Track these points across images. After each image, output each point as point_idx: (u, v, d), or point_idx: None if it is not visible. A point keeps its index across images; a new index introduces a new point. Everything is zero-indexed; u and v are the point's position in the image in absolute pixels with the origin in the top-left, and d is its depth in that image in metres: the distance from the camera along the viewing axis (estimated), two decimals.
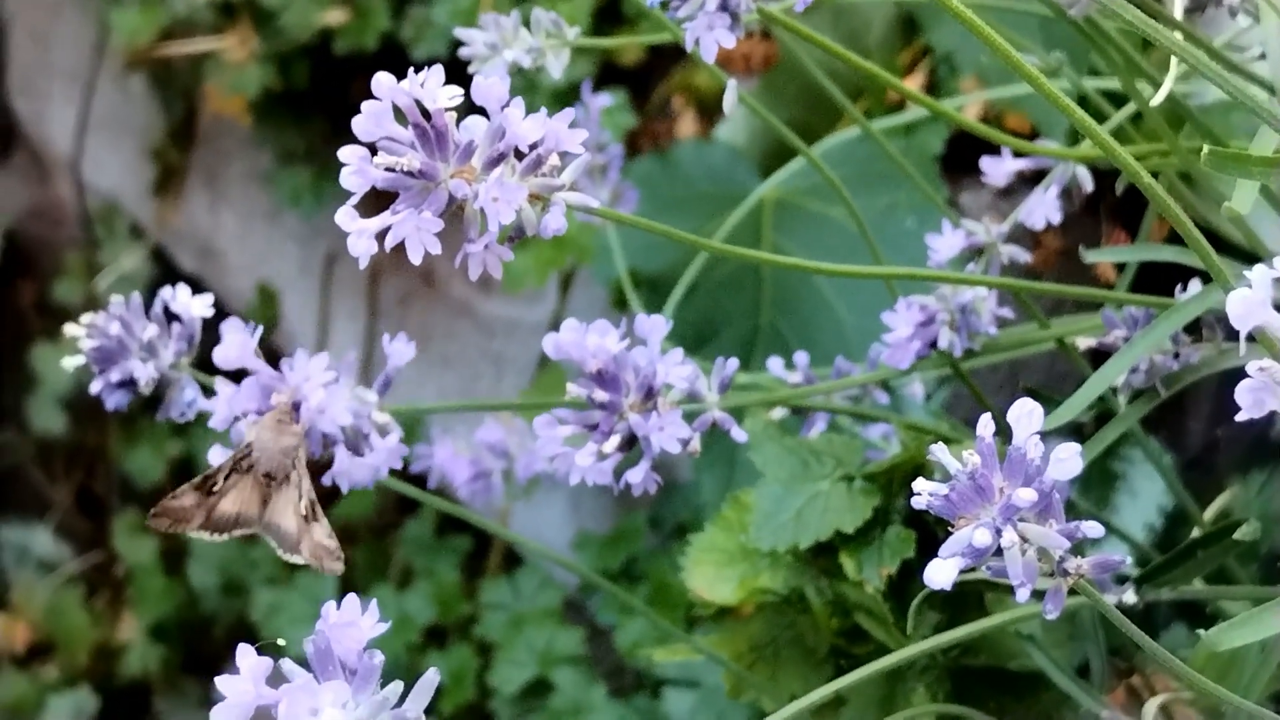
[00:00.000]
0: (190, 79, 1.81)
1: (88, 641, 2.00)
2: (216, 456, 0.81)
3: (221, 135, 1.90)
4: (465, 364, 1.69)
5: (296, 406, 0.80)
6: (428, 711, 0.57)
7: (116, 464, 2.05)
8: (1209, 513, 1.07)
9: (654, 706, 1.48)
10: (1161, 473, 1.05)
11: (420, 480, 1.32)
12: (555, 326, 0.81)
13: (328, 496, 0.82)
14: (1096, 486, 1.23)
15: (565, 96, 1.48)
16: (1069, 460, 0.56)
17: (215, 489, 0.81)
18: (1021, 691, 0.96)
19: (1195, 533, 0.95)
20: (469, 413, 1.48)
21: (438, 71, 0.66)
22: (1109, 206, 1.36)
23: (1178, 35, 0.80)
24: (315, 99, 1.73)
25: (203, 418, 0.84)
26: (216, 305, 0.86)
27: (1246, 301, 0.53)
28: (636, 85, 1.59)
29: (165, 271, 1.96)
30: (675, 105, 1.59)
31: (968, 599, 0.93)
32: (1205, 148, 0.60)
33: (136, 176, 1.99)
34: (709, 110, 1.57)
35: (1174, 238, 0.69)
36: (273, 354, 0.82)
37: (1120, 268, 1.16)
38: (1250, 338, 0.59)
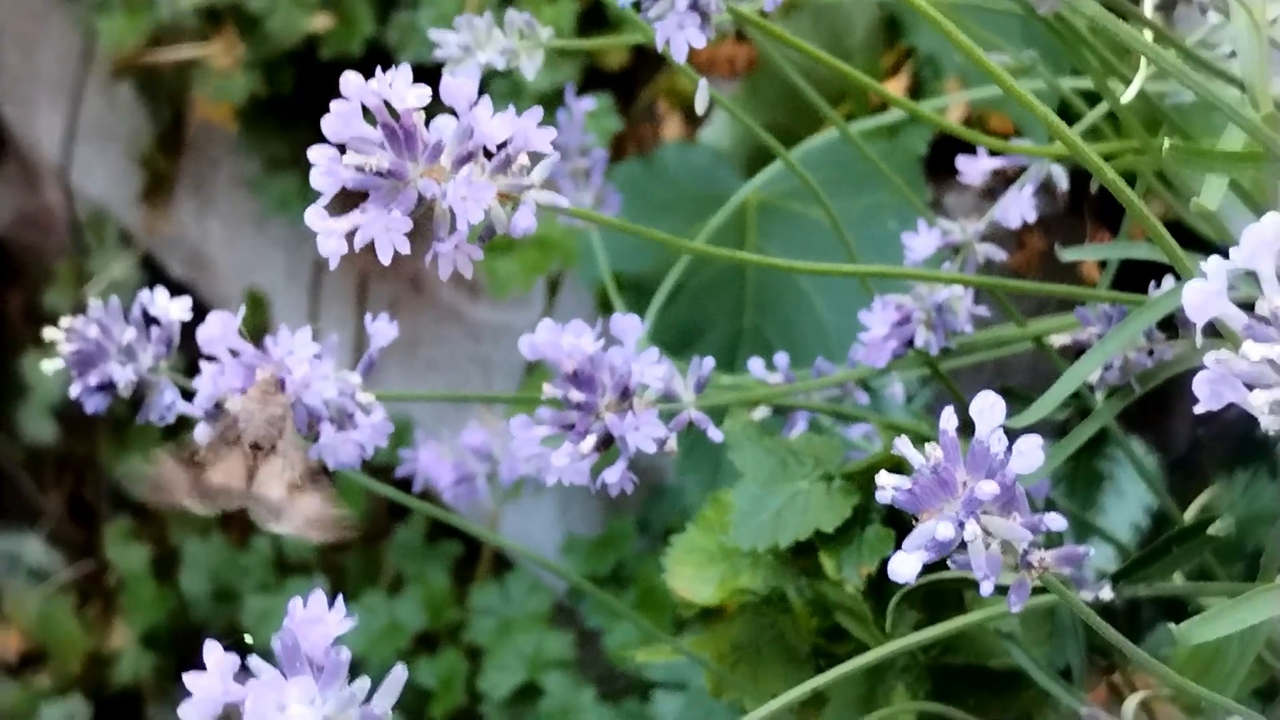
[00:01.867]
0: (177, 86, 1.81)
1: (79, 650, 2.00)
2: (202, 435, 0.81)
3: (209, 142, 1.90)
4: (453, 369, 1.70)
5: (281, 383, 0.80)
6: (418, 717, 0.58)
7: (107, 472, 2.05)
8: (1189, 512, 1.07)
9: (643, 710, 1.47)
10: (1142, 472, 1.05)
11: (406, 486, 1.32)
12: None
13: None
14: (1082, 487, 1.23)
15: (550, 100, 1.48)
16: (1030, 453, 0.57)
17: (198, 459, 0.80)
18: (1001, 689, 0.96)
19: None
20: (454, 419, 1.48)
21: (405, 71, 0.67)
22: (1092, 207, 1.36)
23: (1148, 33, 0.80)
24: (301, 105, 1.73)
25: (194, 424, 0.84)
26: (206, 312, 0.86)
27: (1202, 292, 0.53)
28: (622, 89, 1.60)
29: (155, 279, 1.95)
30: (660, 109, 1.59)
31: (947, 597, 0.93)
32: (1166, 142, 0.60)
33: (125, 184, 1.99)
34: (694, 113, 1.57)
35: None
36: None
37: (1102, 266, 1.16)
38: (1215, 331, 0.59)
